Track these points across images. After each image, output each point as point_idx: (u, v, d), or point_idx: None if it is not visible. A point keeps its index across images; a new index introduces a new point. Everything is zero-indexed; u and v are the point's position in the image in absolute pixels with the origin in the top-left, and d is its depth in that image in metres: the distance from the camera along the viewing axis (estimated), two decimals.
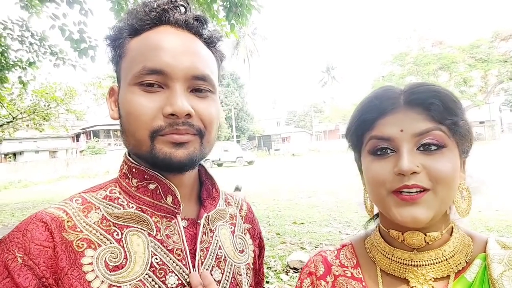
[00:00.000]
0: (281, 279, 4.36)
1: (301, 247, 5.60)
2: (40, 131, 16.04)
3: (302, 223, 7.37)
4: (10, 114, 12.83)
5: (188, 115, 0.66)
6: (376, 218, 0.82)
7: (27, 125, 15.67)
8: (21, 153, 38.71)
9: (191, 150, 0.68)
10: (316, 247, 5.53)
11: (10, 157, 38.68)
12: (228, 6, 4.94)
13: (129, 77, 0.68)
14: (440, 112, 0.63)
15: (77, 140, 46.83)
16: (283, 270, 4.70)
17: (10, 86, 10.41)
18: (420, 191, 0.63)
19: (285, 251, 5.48)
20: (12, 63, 6.09)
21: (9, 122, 13.58)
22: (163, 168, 0.69)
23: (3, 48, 5.73)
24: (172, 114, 0.65)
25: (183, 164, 0.67)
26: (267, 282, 4.34)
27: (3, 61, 5.84)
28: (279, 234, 6.62)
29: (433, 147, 0.64)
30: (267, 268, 4.79)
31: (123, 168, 0.75)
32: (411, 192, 0.63)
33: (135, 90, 0.66)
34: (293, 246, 5.78)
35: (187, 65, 0.67)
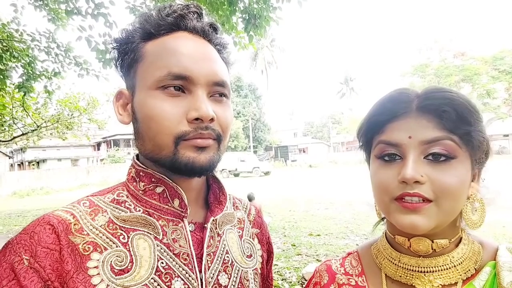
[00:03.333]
0: None
1: (317, 259, 5.52)
2: (63, 140, 16.43)
3: (319, 235, 7.28)
4: (34, 122, 13.20)
5: (212, 119, 0.67)
6: (384, 221, 0.80)
7: (50, 134, 16.07)
8: (44, 160, 39.83)
9: (211, 154, 0.69)
10: None
11: (33, 165, 39.80)
12: (247, 18, 5.01)
13: (150, 82, 0.68)
14: (453, 121, 0.61)
15: (98, 149, 47.83)
16: (298, 281, 4.63)
17: (36, 96, 10.78)
18: (423, 201, 0.61)
19: (301, 263, 5.41)
20: (38, 73, 6.30)
21: (33, 131, 13.97)
22: (185, 173, 0.69)
23: (30, 59, 5.94)
24: (197, 119, 0.65)
25: (205, 168, 0.68)
26: None
27: (30, 71, 6.05)
28: (294, 245, 6.55)
29: (442, 157, 0.62)
30: (282, 279, 4.73)
31: (131, 172, 0.76)
32: (413, 200, 0.61)
33: (157, 94, 0.67)
34: (308, 258, 5.70)
35: (208, 71, 0.68)
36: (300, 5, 4.98)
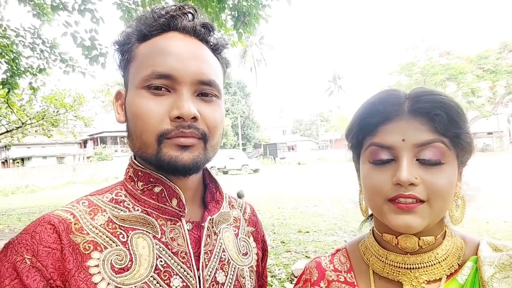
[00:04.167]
0: None
1: (306, 256, 5.57)
2: (49, 137, 16.19)
3: (307, 232, 7.33)
4: (19, 119, 12.96)
5: (194, 118, 0.67)
6: (370, 219, 0.82)
7: (35, 131, 15.84)
8: (29, 158, 39.05)
9: (196, 154, 0.69)
10: None
11: (18, 162, 39.04)
12: (236, 15, 5.00)
13: (137, 81, 0.69)
14: (444, 124, 0.63)
15: (85, 146, 47.19)
16: (287, 278, 4.67)
17: (20, 92, 10.57)
18: (416, 201, 0.63)
19: (290, 260, 5.45)
20: (23, 69, 6.17)
21: (18, 128, 13.72)
22: (169, 171, 0.70)
23: (15, 55, 5.83)
24: (179, 117, 0.66)
25: (188, 168, 0.68)
26: None
27: (14, 67, 5.93)
28: (284, 242, 6.59)
29: (433, 160, 0.63)
30: (272, 276, 4.76)
31: (128, 172, 0.76)
32: (407, 201, 0.63)
33: (143, 93, 0.68)
34: (298, 254, 5.75)
35: (194, 70, 0.69)
36: (289, 3, 4.99)
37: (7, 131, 13.83)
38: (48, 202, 15.61)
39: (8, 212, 13.31)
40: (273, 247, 6.24)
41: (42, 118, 14.03)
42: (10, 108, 10.91)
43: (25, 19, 6.12)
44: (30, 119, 13.72)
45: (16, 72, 6.01)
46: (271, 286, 4.44)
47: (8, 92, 6.24)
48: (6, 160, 41.50)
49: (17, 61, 5.92)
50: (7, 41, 5.78)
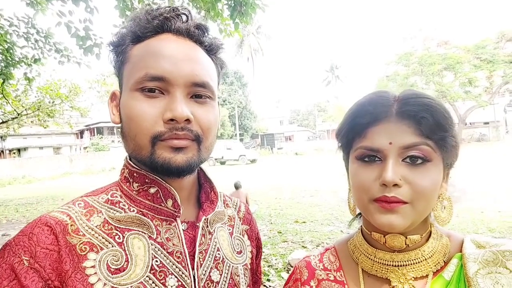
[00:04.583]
0: (282, 277, 4.39)
1: (303, 246, 5.63)
2: (45, 128, 16.12)
3: (304, 222, 7.40)
4: (15, 110, 12.89)
5: (187, 120, 0.67)
6: (359, 218, 0.84)
7: (31, 122, 15.77)
8: (25, 149, 38.88)
9: (190, 156, 0.69)
10: (317, 246, 5.56)
11: (14, 153, 38.86)
12: (233, 5, 4.95)
13: (130, 83, 0.69)
14: (430, 127, 0.65)
15: (81, 137, 47.03)
16: (284, 268, 4.72)
17: (15, 83, 10.48)
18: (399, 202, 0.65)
19: (287, 250, 5.51)
20: (17, 59, 6.11)
21: (14, 118, 13.64)
22: (162, 173, 0.70)
23: (9, 44, 5.75)
24: (172, 119, 0.66)
25: (181, 169, 0.69)
26: (268, 280, 4.37)
27: (8, 57, 5.86)
28: (280, 232, 6.65)
29: (418, 160, 0.65)
30: (268, 266, 4.81)
31: (124, 172, 0.77)
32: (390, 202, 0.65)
33: (137, 95, 0.68)
34: (294, 244, 5.81)
35: (188, 72, 0.69)
36: None
37: (3, 122, 13.75)
38: (45, 192, 15.61)
39: (5, 202, 13.32)
40: (270, 237, 6.29)
41: (38, 109, 13.96)
42: (5, 98, 10.81)
43: (19, 8, 6.04)
44: (25, 109, 13.66)
45: (10, 62, 5.94)
46: (268, 275, 4.50)
47: (3, 82, 6.19)
48: (2, 151, 41.26)
49: (11, 51, 5.84)
50: (1, 30, 5.70)
